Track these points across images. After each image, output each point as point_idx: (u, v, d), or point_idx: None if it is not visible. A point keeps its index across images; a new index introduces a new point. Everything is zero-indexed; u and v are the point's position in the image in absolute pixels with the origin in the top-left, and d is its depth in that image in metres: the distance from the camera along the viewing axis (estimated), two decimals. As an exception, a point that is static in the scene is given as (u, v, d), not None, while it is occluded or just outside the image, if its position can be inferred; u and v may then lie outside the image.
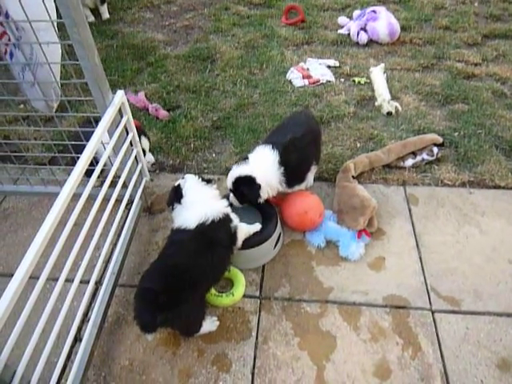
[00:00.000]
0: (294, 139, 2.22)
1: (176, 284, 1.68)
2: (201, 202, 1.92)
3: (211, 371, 1.82)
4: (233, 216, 1.98)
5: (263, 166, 2.15)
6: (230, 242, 1.95)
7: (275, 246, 2.22)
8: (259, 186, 2.12)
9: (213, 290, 2.04)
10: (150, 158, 2.56)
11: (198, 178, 2.04)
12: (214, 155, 2.87)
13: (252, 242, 2.11)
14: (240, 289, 2.06)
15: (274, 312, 2.02)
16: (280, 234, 2.27)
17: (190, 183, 2.00)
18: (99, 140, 1.71)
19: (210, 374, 1.81)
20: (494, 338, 1.90)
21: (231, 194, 2.22)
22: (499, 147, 2.84)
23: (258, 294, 2.10)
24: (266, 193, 2.17)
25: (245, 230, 2.04)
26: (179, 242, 1.84)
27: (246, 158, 2.20)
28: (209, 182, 2.07)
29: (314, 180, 2.58)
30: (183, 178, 2.05)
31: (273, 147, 2.18)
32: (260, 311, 2.03)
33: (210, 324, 1.91)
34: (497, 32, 4.13)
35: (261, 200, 2.18)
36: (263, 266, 2.21)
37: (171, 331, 1.93)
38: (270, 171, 2.15)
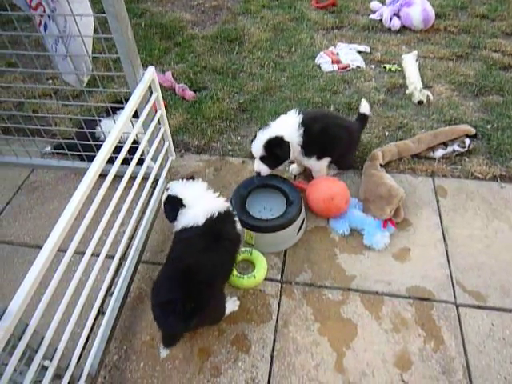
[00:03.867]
0: (323, 114, 2.35)
1: (196, 286, 1.62)
2: (203, 198, 1.87)
3: (231, 351, 1.82)
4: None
5: (285, 125, 2.24)
6: (235, 235, 1.87)
7: (298, 231, 2.20)
8: (288, 144, 2.19)
9: (235, 271, 2.05)
10: None
11: (182, 180, 1.95)
12: (239, 138, 2.85)
13: (275, 226, 2.10)
14: (262, 271, 2.06)
15: (294, 297, 2.01)
16: (304, 220, 2.25)
17: (179, 186, 1.91)
18: (129, 116, 1.70)
19: (230, 354, 1.82)
20: (520, 335, 1.86)
21: (258, 162, 2.24)
22: (533, 141, 2.74)
23: (279, 277, 2.09)
24: (291, 152, 2.23)
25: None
26: (188, 241, 1.77)
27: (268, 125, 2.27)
28: (193, 178, 1.97)
29: (341, 167, 2.55)
30: (167, 189, 1.95)
31: (298, 112, 2.28)
32: (281, 295, 2.02)
33: (231, 304, 1.91)
34: (537, 21, 3.96)
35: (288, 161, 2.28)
36: (285, 251, 2.20)
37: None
38: (291, 129, 2.22)
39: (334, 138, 2.36)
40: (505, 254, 2.16)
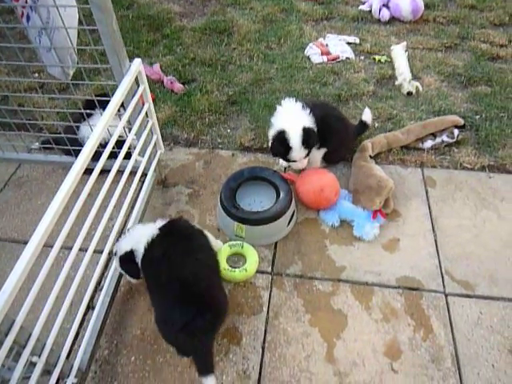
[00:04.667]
0: (322, 103, 2.51)
1: (203, 294, 1.61)
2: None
3: (222, 343, 1.83)
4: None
5: (296, 115, 2.25)
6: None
7: (289, 223, 2.20)
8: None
9: (226, 265, 2.05)
10: None
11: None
12: (228, 130, 2.84)
13: (266, 218, 2.10)
14: (253, 264, 2.05)
15: (285, 288, 2.01)
16: (294, 212, 2.25)
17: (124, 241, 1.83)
18: (115, 109, 1.68)
19: (221, 346, 1.82)
20: (507, 323, 1.88)
21: (302, 160, 2.27)
22: (522, 132, 2.76)
23: (269, 270, 2.09)
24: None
25: None
26: (157, 260, 1.69)
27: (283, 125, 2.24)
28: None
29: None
30: (115, 253, 1.88)
31: (295, 101, 2.30)
32: (271, 287, 2.02)
33: None
34: (525, 12, 3.97)
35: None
36: (276, 243, 2.20)
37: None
38: (303, 117, 2.24)
39: (334, 128, 2.38)
40: (493, 243, 2.18)
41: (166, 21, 3.91)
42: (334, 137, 2.38)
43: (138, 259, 1.74)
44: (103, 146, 1.68)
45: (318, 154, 2.42)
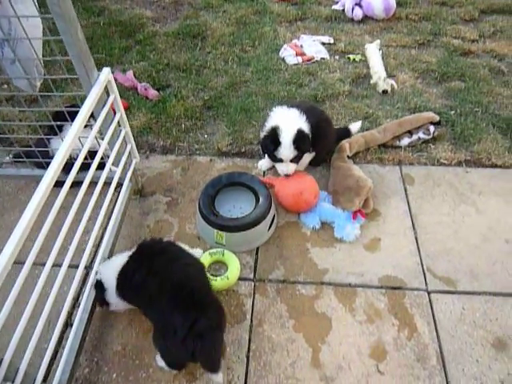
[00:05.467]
0: (312, 106, 2.48)
1: (197, 295, 1.59)
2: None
3: (205, 355, 1.79)
4: None
5: (290, 118, 2.24)
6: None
7: (269, 227, 2.18)
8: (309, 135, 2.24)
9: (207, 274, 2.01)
10: None
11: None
12: (205, 136, 2.80)
13: (246, 224, 2.07)
14: (235, 272, 2.02)
15: (268, 294, 1.99)
16: (274, 216, 2.23)
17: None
18: (84, 120, 1.63)
19: (205, 358, 1.78)
20: (489, 317, 1.89)
21: (287, 164, 2.23)
22: (496, 125, 2.79)
23: (252, 276, 2.06)
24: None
25: None
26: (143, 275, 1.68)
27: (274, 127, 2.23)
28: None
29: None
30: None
31: (288, 105, 2.32)
32: (254, 294, 1.99)
33: None
34: (494, 7, 4.04)
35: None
36: (257, 249, 2.17)
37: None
38: (299, 121, 2.23)
39: (324, 133, 2.37)
40: (472, 237, 2.20)
41: (139, 26, 3.85)
42: (323, 141, 2.39)
43: (109, 290, 1.75)
44: (76, 158, 1.64)
45: (307, 157, 2.40)
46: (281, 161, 2.23)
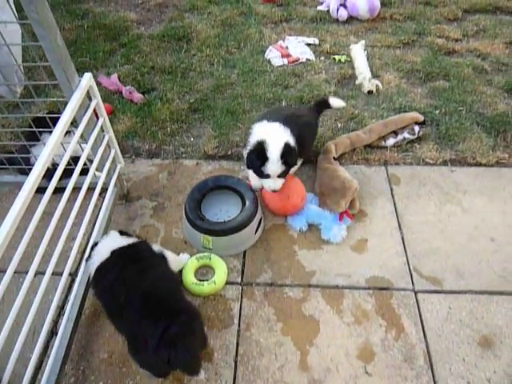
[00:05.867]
0: (292, 113, 2.38)
1: (167, 303, 1.59)
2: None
3: (193, 361, 1.78)
4: None
5: (274, 132, 2.15)
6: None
7: (256, 231, 2.17)
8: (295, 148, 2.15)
9: (194, 279, 2.00)
10: None
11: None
12: (192, 139, 2.79)
13: (232, 227, 2.07)
14: (222, 276, 2.02)
15: (256, 298, 1.98)
16: (261, 219, 2.22)
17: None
18: (66, 126, 1.61)
19: (192, 365, 1.77)
20: (475, 316, 1.90)
21: (275, 179, 2.12)
22: (480, 124, 2.81)
23: (239, 280, 2.05)
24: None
25: None
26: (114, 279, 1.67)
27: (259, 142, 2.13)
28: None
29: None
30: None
31: (268, 118, 2.23)
32: (242, 298, 1.99)
33: None
34: (477, 6, 4.08)
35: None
36: (244, 252, 2.16)
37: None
38: (283, 135, 2.14)
39: (308, 137, 2.37)
40: (458, 236, 2.22)
41: (123, 29, 3.82)
42: (309, 146, 2.40)
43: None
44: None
45: (294, 168, 2.36)
46: (268, 176, 2.12)
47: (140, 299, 1.56)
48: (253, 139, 2.16)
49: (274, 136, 2.12)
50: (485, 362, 1.76)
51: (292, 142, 2.13)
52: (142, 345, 1.50)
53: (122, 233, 1.89)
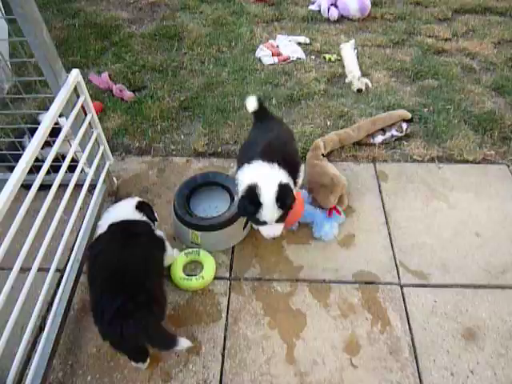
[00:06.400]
0: (276, 142, 2.03)
1: (133, 282, 1.61)
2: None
3: (181, 354, 1.79)
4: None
5: (267, 172, 1.87)
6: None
7: (244, 226, 2.19)
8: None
9: (182, 274, 2.02)
10: None
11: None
12: (182, 136, 2.80)
13: (220, 223, 2.08)
14: (210, 271, 2.03)
15: (243, 293, 2.00)
16: (249, 215, 2.23)
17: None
18: (52, 122, 1.62)
19: (180, 358, 1.78)
20: (460, 309, 1.93)
21: (273, 225, 1.88)
22: (468, 122, 2.85)
23: (227, 275, 2.07)
24: None
25: None
26: (102, 251, 1.75)
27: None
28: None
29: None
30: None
31: (260, 157, 1.91)
32: (230, 292, 2.00)
33: None
34: (467, 7, 4.12)
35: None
36: (233, 248, 2.18)
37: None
38: (276, 173, 1.88)
39: (295, 153, 2.23)
40: (444, 232, 2.24)
41: (115, 28, 3.83)
42: (298, 160, 2.22)
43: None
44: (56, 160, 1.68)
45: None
46: (265, 223, 1.88)
47: (109, 273, 1.61)
48: (243, 182, 1.89)
49: (266, 177, 1.84)
50: (468, 353, 1.79)
51: (285, 177, 1.88)
52: (98, 316, 1.57)
53: (139, 204, 1.94)
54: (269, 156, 1.90)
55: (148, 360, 1.73)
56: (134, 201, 1.96)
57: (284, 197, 1.82)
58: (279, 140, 2.06)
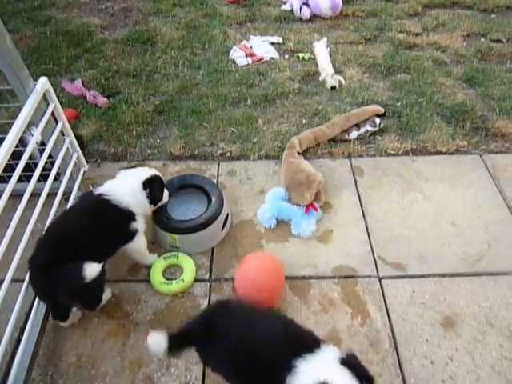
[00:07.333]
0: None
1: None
2: None
3: (162, 358, 1.78)
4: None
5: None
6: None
7: (223, 227, 2.19)
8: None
9: (162, 278, 2.01)
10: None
11: None
12: (158, 140, 2.79)
13: (198, 225, 2.08)
14: (190, 274, 2.03)
15: (224, 293, 2.00)
16: (227, 215, 2.24)
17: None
18: (19, 131, 1.61)
19: (162, 362, 1.77)
20: (438, 298, 1.96)
21: None
22: (440, 114, 2.90)
23: (207, 277, 2.07)
24: None
25: None
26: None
27: None
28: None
29: (262, 158, 2.61)
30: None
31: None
32: (210, 294, 2.00)
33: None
34: (436, 1, 4.19)
35: None
36: (212, 249, 2.18)
37: (120, 322, 1.89)
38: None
39: None
40: (420, 223, 2.28)
41: (87, 34, 3.80)
42: None
43: None
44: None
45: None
46: None
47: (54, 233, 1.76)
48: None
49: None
50: (447, 341, 1.82)
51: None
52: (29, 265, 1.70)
53: (147, 181, 1.95)
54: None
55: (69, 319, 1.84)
56: (145, 175, 1.95)
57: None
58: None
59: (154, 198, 1.96)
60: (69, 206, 2.10)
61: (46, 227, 1.84)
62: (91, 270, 1.66)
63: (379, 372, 1.73)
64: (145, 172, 1.98)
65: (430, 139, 2.70)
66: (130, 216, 1.89)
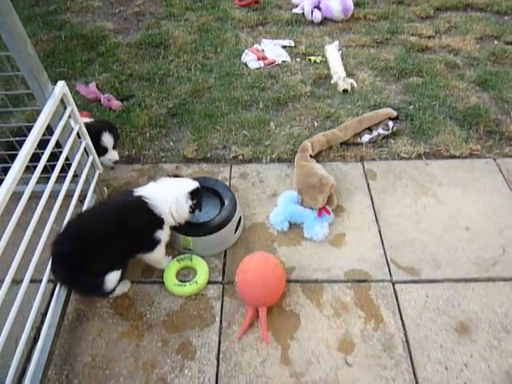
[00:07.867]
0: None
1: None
2: None
3: (176, 360, 1.80)
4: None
5: None
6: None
7: (236, 230, 2.20)
8: None
9: (175, 280, 2.03)
10: (113, 155, 2.49)
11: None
12: (171, 143, 2.81)
13: (211, 228, 2.09)
14: (203, 276, 2.04)
15: (237, 296, 2.01)
16: (240, 218, 2.25)
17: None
18: (39, 134, 1.63)
19: (175, 363, 1.79)
20: (452, 303, 1.95)
21: None
22: (453, 118, 2.89)
23: (220, 279, 2.08)
24: None
25: None
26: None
27: None
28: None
29: (274, 161, 2.61)
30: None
31: None
32: (223, 296, 2.01)
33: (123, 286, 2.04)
34: (448, 4, 4.17)
35: None
36: (225, 252, 2.19)
37: (133, 323, 1.91)
38: None
39: None
40: (434, 227, 2.27)
41: (101, 38, 3.84)
42: None
43: None
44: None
45: None
46: None
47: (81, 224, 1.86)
48: None
49: None
50: (462, 347, 1.81)
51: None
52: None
53: (193, 192, 2.04)
54: None
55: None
56: (191, 186, 2.03)
57: None
58: None
59: (196, 208, 2.03)
60: (84, 208, 2.13)
61: (78, 213, 1.98)
62: (112, 281, 1.83)
63: (393, 377, 1.73)
64: (190, 183, 2.05)
65: (443, 143, 2.69)
66: (159, 223, 1.93)
